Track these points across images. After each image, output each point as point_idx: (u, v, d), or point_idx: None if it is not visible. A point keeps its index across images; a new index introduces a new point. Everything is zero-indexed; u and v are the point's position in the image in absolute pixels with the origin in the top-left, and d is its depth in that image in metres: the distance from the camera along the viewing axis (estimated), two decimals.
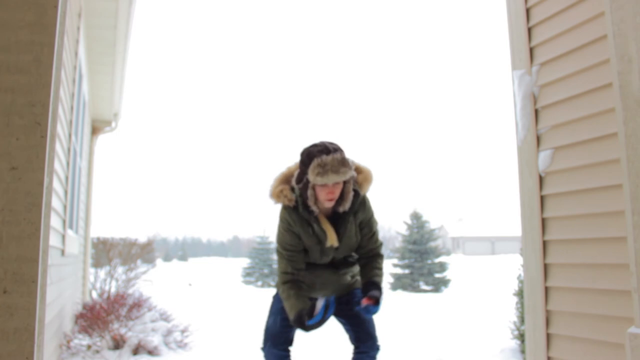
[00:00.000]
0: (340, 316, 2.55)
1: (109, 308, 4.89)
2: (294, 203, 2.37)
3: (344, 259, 2.53)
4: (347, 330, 2.55)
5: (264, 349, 2.45)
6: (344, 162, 2.25)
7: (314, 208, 2.32)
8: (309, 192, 2.30)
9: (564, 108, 2.31)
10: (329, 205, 2.32)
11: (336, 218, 2.40)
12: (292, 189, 2.39)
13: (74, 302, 5.72)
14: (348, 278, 2.57)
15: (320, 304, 2.35)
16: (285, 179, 2.43)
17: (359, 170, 2.43)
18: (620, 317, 1.95)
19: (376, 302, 2.35)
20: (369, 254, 2.52)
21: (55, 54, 1.48)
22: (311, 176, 2.24)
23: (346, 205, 2.34)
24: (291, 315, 2.33)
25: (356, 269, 2.60)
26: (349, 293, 2.58)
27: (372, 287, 2.41)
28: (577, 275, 2.21)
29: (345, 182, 2.31)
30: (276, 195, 2.39)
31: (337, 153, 2.25)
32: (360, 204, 2.41)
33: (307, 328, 2.34)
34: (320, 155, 2.24)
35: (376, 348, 2.50)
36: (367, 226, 2.47)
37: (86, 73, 5.63)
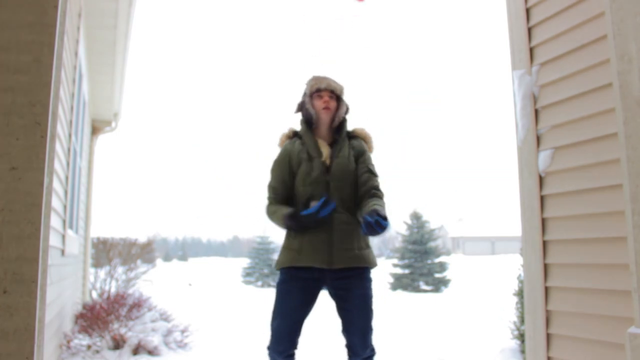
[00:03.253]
0: (336, 303, 2.42)
1: (109, 308, 4.88)
2: (294, 133, 2.61)
3: (340, 202, 2.42)
4: (342, 331, 2.43)
5: (269, 348, 2.39)
6: (337, 81, 2.55)
7: (312, 112, 2.50)
8: (307, 107, 2.52)
9: (564, 108, 2.31)
10: (325, 116, 2.50)
11: (333, 144, 2.53)
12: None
13: (74, 302, 5.71)
14: (348, 240, 2.37)
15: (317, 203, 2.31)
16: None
17: (356, 133, 2.62)
18: (620, 317, 1.95)
19: (383, 218, 2.18)
20: (368, 193, 2.44)
21: (55, 54, 1.48)
22: (308, 87, 2.54)
23: (338, 120, 2.52)
24: (283, 221, 2.39)
25: (359, 237, 2.42)
26: (350, 273, 2.38)
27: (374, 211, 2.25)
28: (577, 275, 2.21)
29: (339, 102, 2.54)
30: (281, 142, 2.62)
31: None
32: (356, 138, 2.59)
33: (301, 220, 2.33)
34: (317, 74, 2.59)
35: (370, 352, 2.38)
36: (363, 161, 2.51)
37: (86, 73, 5.62)
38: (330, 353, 4.59)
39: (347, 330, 2.40)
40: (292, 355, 2.38)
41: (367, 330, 2.38)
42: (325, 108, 2.49)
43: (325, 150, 2.49)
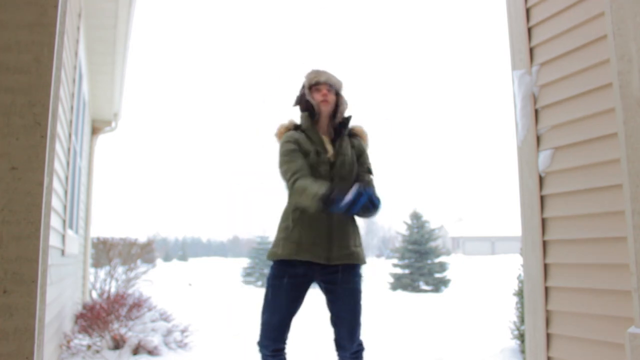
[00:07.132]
0: (326, 297, 2.44)
1: (109, 308, 4.89)
2: (294, 126, 2.57)
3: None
4: (331, 324, 2.44)
5: (259, 343, 2.42)
6: (336, 76, 2.56)
7: (313, 102, 2.49)
8: (308, 98, 2.52)
9: (564, 108, 2.31)
10: (325, 109, 2.50)
11: (335, 140, 2.54)
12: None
13: (74, 302, 5.72)
14: (346, 237, 2.40)
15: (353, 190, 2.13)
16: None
17: (355, 130, 2.64)
18: (620, 317, 1.95)
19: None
20: None
21: (55, 54, 1.48)
22: (307, 80, 2.55)
23: (340, 116, 2.53)
24: (317, 199, 2.17)
25: (355, 235, 2.46)
26: (341, 268, 2.40)
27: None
28: (577, 275, 2.21)
29: (338, 96, 2.54)
30: (280, 132, 2.57)
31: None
32: (356, 137, 2.62)
33: (332, 204, 2.16)
34: (316, 68, 2.60)
35: (357, 347, 2.39)
36: (364, 161, 2.57)
37: (86, 73, 5.62)
38: (320, 347, 4.59)
39: (335, 325, 2.43)
40: (281, 350, 2.39)
41: (355, 325, 2.41)
42: (323, 101, 2.49)
43: (330, 146, 2.51)
